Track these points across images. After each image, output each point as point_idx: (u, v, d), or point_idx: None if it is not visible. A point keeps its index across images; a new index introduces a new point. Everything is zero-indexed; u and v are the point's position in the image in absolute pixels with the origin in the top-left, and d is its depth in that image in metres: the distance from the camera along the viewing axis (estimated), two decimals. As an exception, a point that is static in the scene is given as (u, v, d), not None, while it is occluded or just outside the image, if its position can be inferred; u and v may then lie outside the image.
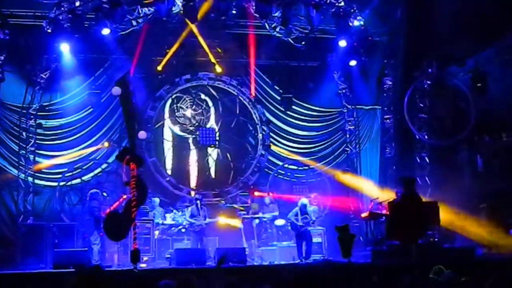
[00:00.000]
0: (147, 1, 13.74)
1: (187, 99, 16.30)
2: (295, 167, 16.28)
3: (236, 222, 14.22)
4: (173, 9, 13.88)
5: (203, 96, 16.46)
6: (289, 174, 16.26)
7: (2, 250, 13.02)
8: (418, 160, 15.66)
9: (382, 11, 15.60)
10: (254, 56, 15.82)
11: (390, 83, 16.22)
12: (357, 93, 16.40)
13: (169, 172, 15.87)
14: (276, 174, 16.18)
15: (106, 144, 14.96)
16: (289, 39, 15.16)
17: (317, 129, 16.56)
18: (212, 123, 16.43)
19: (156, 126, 15.90)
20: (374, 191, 15.20)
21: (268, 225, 14.35)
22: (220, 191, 15.79)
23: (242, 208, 14.97)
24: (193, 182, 16.04)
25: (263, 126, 16.34)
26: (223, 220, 14.15)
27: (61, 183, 14.46)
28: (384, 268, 9.30)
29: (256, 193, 15.56)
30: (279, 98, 16.35)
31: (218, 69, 15.84)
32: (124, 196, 12.42)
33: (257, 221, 14.29)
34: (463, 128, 14.94)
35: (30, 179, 14.19)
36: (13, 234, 13.49)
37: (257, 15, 14.51)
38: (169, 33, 15.14)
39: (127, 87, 9.38)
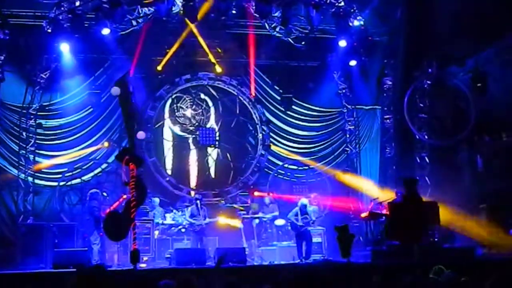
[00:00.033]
0: (147, 1, 13.74)
1: (187, 99, 16.30)
2: (295, 167, 16.28)
3: (236, 222, 14.22)
4: (173, 9, 13.88)
5: (203, 96, 16.46)
6: (289, 174, 16.26)
7: (2, 250, 13.02)
8: (418, 160, 15.67)
9: (382, 11, 15.60)
10: (254, 56, 15.82)
11: (390, 83, 16.23)
12: (357, 93, 16.40)
13: (169, 172, 15.87)
14: (276, 174, 16.18)
15: (106, 144, 14.97)
16: (289, 39, 15.16)
17: (317, 129, 16.56)
18: (212, 123, 16.43)
19: (156, 126, 15.90)
20: (374, 191, 15.21)
21: (268, 225, 14.35)
22: (220, 191, 15.79)
23: (242, 208, 14.97)
24: (193, 182, 16.04)
25: (263, 126, 16.35)
26: (223, 220, 14.15)
27: (61, 183, 14.46)
28: (384, 268, 9.30)
29: (256, 193, 15.55)
30: (279, 98, 16.35)
31: (218, 69, 15.85)
32: (124, 196, 12.42)
33: (257, 221, 14.29)
34: (463, 128, 14.94)
35: (30, 179, 14.20)
36: (13, 234, 13.49)
37: (257, 15, 14.51)
38: (169, 33, 15.14)
39: (126, 87, 9.36)
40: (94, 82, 14.95)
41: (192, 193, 15.47)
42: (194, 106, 16.32)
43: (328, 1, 14.14)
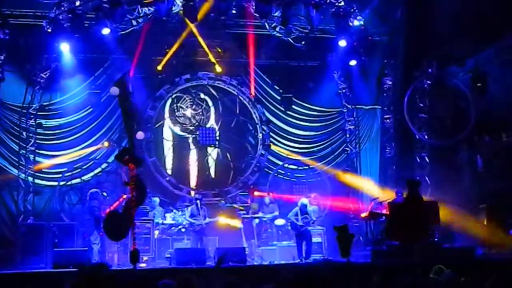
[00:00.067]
0: (147, 1, 13.73)
1: (187, 98, 16.29)
2: (295, 167, 16.27)
3: (236, 222, 14.21)
4: (173, 9, 13.88)
5: (203, 96, 16.46)
6: (289, 174, 16.26)
7: (2, 250, 13.02)
8: (418, 160, 15.68)
9: (382, 11, 15.61)
10: (254, 56, 15.82)
11: (390, 83, 16.23)
12: (357, 93, 16.40)
13: (169, 171, 15.87)
14: (276, 174, 16.17)
15: (106, 144, 14.96)
16: (289, 39, 15.15)
17: (317, 129, 16.56)
18: (212, 122, 16.43)
19: (156, 125, 15.89)
20: (374, 191, 15.21)
21: (268, 225, 14.35)
22: (220, 191, 15.79)
23: (242, 208, 14.95)
24: (193, 182, 16.04)
25: (263, 126, 16.34)
26: (223, 220, 14.15)
27: (61, 183, 14.45)
28: (384, 268, 9.30)
29: (256, 193, 15.54)
30: (279, 98, 16.35)
31: (218, 69, 15.84)
32: (124, 196, 12.43)
33: (257, 220, 14.28)
34: (463, 128, 14.95)
35: (30, 179, 14.19)
36: (13, 234, 13.49)
37: (257, 15, 14.51)
38: (169, 33, 15.13)
39: (125, 87, 9.35)
40: (94, 82, 14.94)
41: (192, 193, 15.46)
42: (194, 106, 16.32)
43: (328, 1, 14.14)
